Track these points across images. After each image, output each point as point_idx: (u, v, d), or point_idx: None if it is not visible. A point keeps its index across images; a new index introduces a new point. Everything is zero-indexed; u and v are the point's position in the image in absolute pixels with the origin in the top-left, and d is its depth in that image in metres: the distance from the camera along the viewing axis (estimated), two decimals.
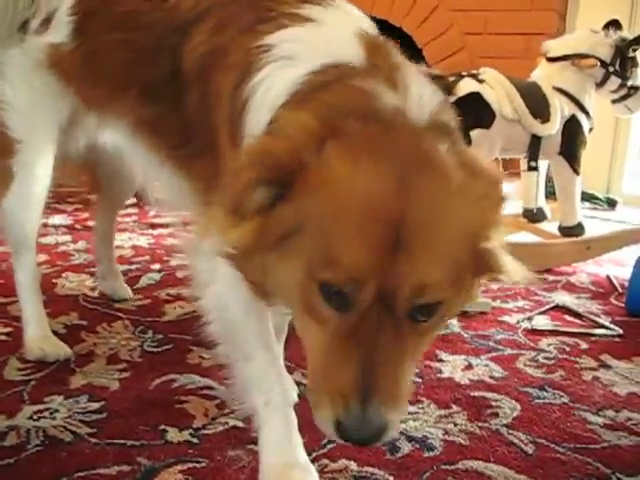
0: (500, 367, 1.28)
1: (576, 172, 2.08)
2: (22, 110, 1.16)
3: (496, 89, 1.98)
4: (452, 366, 1.28)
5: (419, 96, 0.78)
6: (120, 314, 1.44)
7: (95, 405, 1.04)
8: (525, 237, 2.19)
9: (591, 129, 2.12)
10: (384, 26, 3.33)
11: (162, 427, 0.99)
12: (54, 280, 1.65)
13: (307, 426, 0.84)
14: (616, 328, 1.53)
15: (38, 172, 1.18)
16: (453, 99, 1.95)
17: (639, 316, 1.63)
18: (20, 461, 0.89)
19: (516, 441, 1.02)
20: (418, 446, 0.99)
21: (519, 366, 1.30)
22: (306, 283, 0.70)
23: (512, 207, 2.47)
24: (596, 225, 2.61)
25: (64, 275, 1.70)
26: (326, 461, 0.93)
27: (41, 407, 1.03)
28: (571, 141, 2.05)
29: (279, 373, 0.89)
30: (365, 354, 0.69)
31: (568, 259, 2.03)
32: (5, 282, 1.57)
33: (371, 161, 0.68)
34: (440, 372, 1.25)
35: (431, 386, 1.19)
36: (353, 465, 0.93)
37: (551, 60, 2.11)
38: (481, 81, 2.00)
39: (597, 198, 3.23)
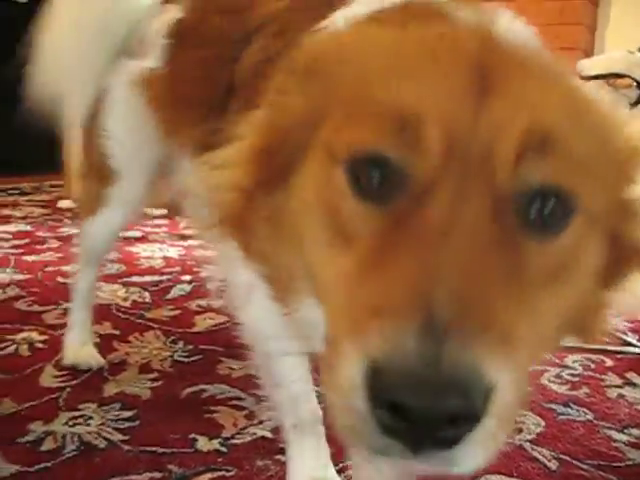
0: None
1: None
2: (122, 141, 1.13)
3: None
4: None
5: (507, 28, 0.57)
6: (152, 324, 1.48)
7: (128, 413, 1.08)
8: None
9: None
10: None
11: (192, 436, 1.02)
12: None
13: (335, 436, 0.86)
14: None
15: (127, 205, 1.19)
16: None
17: None
18: (56, 465, 0.93)
19: (540, 457, 1.03)
20: None
21: (544, 382, 1.31)
22: (325, 174, 0.48)
23: None
24: None
25: (97, 285, 1.74)
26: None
27: (76, 414, 1.07)
28: None
29: (308, 396, 0.85)
30: (433, 265, 0.40)
31: None
32: (40, 291, 1.62)
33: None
34: None
35: None
36: None
37: (587, 79, 2.12)
38: None
39: None
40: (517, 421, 1.13)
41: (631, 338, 1.59)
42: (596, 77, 2.09)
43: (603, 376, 1.36)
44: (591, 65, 2.13)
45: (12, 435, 0.98)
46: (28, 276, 1.75)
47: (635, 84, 2.05)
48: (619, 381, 1.34)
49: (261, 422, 1.07)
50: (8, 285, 1.67)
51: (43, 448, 0.96)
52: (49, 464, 0.93)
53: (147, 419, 1.07)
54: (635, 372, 1.39)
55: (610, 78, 2.05)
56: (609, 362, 1.44)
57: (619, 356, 1.48)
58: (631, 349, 1.52)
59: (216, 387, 1.19)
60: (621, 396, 1.27)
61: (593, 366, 1.41)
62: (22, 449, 0.95)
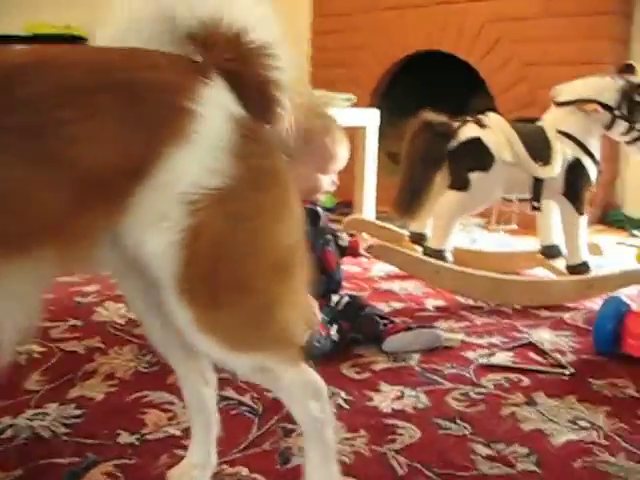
0: (428, 399, 1.47)
1: (580, 212, 2.18)
2: None
3: (496, 134, 2.13)
4: (384, 396, 1.47)
5: None
6: (134, 339, 1.76)
7: (78, 412, 1.37)
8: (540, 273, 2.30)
9: (600, 172, 2.20)
10: (453, 60, 3.61)
11: (118, 431, 1.29)
12: (95, 308, 2.01)
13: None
14: (569, 367, 1.64)
15: None
16: (455, 144, 2.13)
17: (605, 355, 1.73)
18: (9, 449, 1.22)
19: (394, 464, 1.21)
20: None
21: (446, 399, 1.47)
22: None
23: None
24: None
25: (105, 304, 2.07)
26: (225, 466, 1.19)
27: (39, 411, 1.36)
28: (574, 183, 2.15)
29: None
30: None
31: (569, 297, 2.13)
32: (55, 309, 1.96)
33: None
34: (370, 400, 1.45)
35: (354, 411, 1.40)
36: (245, 471, 1.18)
37: (559, 104, 2.21)
38: (484, 126, 2.16)
39: None
40: (396, 433, 1.32)
41: (566, 359, 1.70)
42: (567, 103, 2.18)
43: (509, 395, 1.49)
44: (565, 90, 2.22)
45: None
46: (51, 295, 2.09)
47: (604, 108, 2.12)
48: (521, 400, 1.47)
49: (178, 423, 1.32)
50: None
51: (3, 436, 1.27)
52: (2, 448, 1.23)
53: (91, 417, 1.35)
54: (544, 392, 1.52)
55: (579, 103, 2.14)
56: (526, 382, 1.57)
57: (542, 376, 1.61)
58: (555, 370, 1.64)
59: (157, 394, 1.45)
60: (512, 414, 1.41)
61: (507, 385, 1.55)
62: None
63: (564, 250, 2.35)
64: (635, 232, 3.19)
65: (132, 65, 0.86)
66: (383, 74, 4.21)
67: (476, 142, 2.12)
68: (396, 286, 2.32)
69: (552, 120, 2.20)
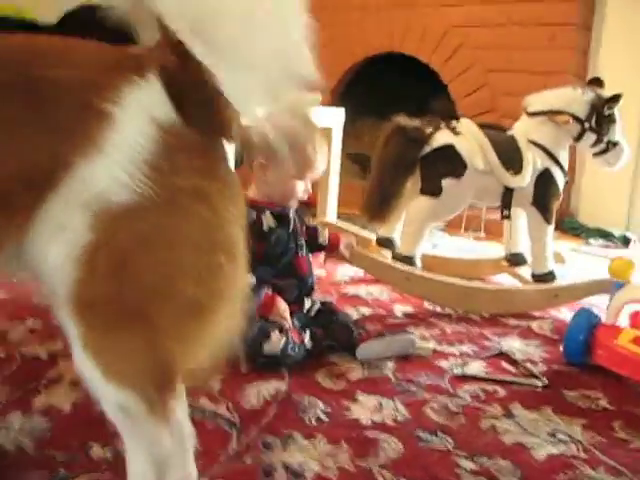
0: (407, 411, 1.45)
1: (548, 222, 2.20)
2: None
3: (470, 141, 2.13)
4: (363, 407, 1.45)
5: None
6: None
7: (45, 424, 1.29)
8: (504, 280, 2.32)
9: (567, 182, 2.23)
10: (414, 62, 3.60)
11: (90, 444, 1.22)
12: None
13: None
14: (542, 378, 1.65)
15: None
16: (428, 150, 2.12)
17: (576, 365, 1.75)
18: None
19: (380, 479, 1.19)
20: (291, 476, 1.18)
21: (425, 410, 1.45)
22: None
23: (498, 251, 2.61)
24: (597, 264, 2.72)
25: None
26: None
27: (2, 424, 1.28)
28: (543, 193, 2.17)
29: None
30: None
31: (535, 305, 2.15)
32: (11, 309, 1.86)
33: None
34: (348, 410, 1.43)
35: (334, 423, 1.36)
36: None
37: (530, 114, 2.23)
38: (457, 133, 2.15)
39: (612, 235, 3.28)
40: (379, 447, 1.30)
41: (538, 369, 1.71)
42: (538, 113, 2.20)
43: (486, 406, 1.49)
44: (536, 101, 2.24)
45: None
46: (7, 295, 1.98)
47: (573, 119, 2.15)
48: (499, 412, 1.47)
49: None
50: None
51: None
52: None
53: (60, 429, 1.27)
54: (521, 403, 1.52)
55: (550, 114, 2.16)
56: (502, 393, 1.57)
57: (515, 387, 1.61)
58: (529, 381, 1.64)
59: None
60: (492, 427, 1.40)
61: (483, 397, 1.55)
62: None
63: (529, 258, 2.37)
64: (591, 240, 3.26)
65: (41, 60, 0.77)
66: (343, 74, 4.19)
67: (449, 149, 2.11)
68: (362, 291, 2.30)
69: (523, 129, 2.22)
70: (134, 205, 0.76)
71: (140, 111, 0.78)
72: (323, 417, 1.39)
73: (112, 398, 0.84)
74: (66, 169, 0.76)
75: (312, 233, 1.84)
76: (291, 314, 1.67)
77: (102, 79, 0.78)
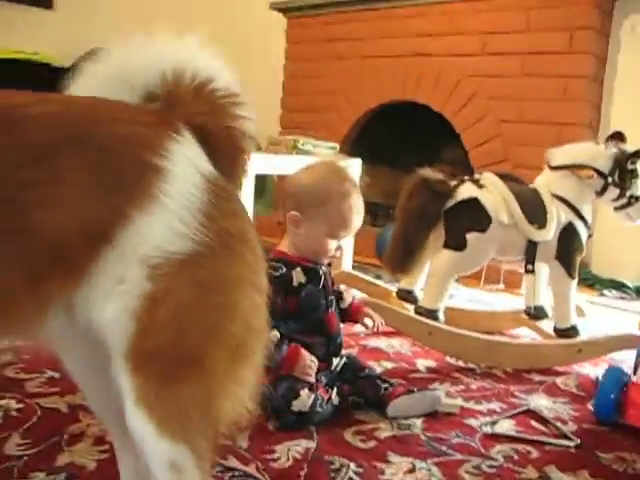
0: (441, 473, 1.40)
1: (571, 276, 2.18)
2: None
3: (494, 195, 2.13)
4: (396, 468, 1.40)
5: None
6: None
7: None
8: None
9: (590, 236, 2.22)
10: (426, 111, 3.62)
11: None
12: None
13: None
14: (574, 438, 1.61)
15: None
16: (453, 203, 2.11)
17: (607, 425, 1.71)
18: None
19: None
20: None
21: (460, 473, 1.41)
22: None
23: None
24: (612, 316, 2.70)
25: None
26: None
27: None
28: (567, 247, 2.16)
29: None
30: None
31: (559, 361, 2.11)
32: (30, 358, 1.82)
33: None
34: (382, 473, 1.38)
35: None
36: None
37: (553, 168, 2.24)
38: (481, 186, 2.15)
39: (625, 286, 3.26)
40: None
41: (569, 428, 1.67)
42: (561, 167, 2.20)
43: (521, 469, 1.45)
44: (558, 155, 2.25)
45: None
46: (27, 343, 1.94)
47: (597, 174, 2.15)
48: (535, 475, 1.43)
49: None
50: (4, 351, 1.88)
51: None
52: None
53: None
54: (556, 465, 1.48)
55: (574, 169, 2.16)
56: (535, 454, 1.53)
57: (547, 448, 1.57)
58: (561, 442, 1.60)
59: None
60: None
61: (516, 457, 1.50)
62: None
63: (549, 311, 2.34)
64: (605, 292, 3.24)
65: (97, 117, 0.79)
66: (356, 121, 4.22)
67: (474, 202, 2.11)
68: (383, 343, 2.26)
69: (546, 183, 2.22)
70: (192, 253, 0.78)
71: (187, 163, 0.81)
72: (356, 479, 1.34)
73: (164, 454, 0.81)
74: (126, 223, 0.76)
75: (336, 296, 1.80)
76: (318, 372, 1.64)
77: (150, 135, 0.80)
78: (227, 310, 0.82)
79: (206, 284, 0.80)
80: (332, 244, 1.64)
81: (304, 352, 1.60)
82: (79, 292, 0.78)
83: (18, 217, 0.72)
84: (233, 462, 1.36)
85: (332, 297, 1.71)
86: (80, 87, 0.87)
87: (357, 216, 1.63)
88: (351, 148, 4.08)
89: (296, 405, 1.52)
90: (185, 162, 0.80)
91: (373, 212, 3.98)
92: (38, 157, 0.74)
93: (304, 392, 1.53)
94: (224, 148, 0.87)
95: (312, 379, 1.58)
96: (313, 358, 1.60)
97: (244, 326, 0.84)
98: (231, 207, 0.84)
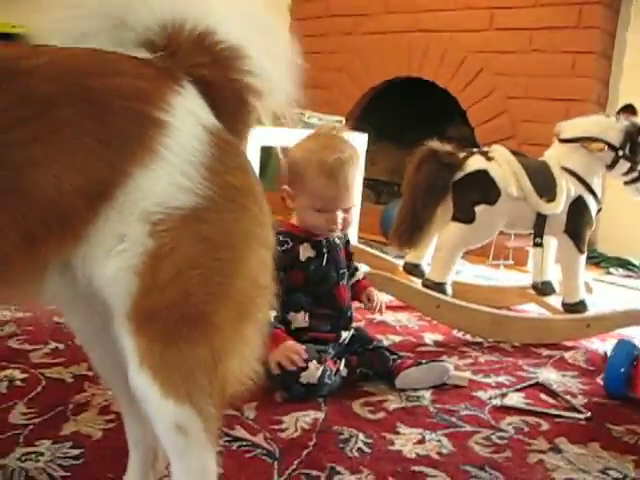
0: (451, 443, 1.38)
1: (580, 251, 2.15)
2: None
3: (503, 167, 2.09)
4: (405, 439, 1.39)
5: None
6: None
7: (75, 452, 1.22)
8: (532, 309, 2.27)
9: (600, 210, 2.19)
10: (431, 88, 3.56)
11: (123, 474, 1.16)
12: None
13: None
14: (585, 411, 1.59)
15: None
16: (461, 175, 2.08)
17: (617, 398, 1.69)
18: None
19: None
20: None
21: (470, 444, 1.39)
22: None
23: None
24: (619, 294, 2.68)
25: None
26: None
27: (30, 450, 1.22)
28: (576, 221, 2.13)
29: None
30: None
31: (567, 335, 2.09)
32: (33, 329, 1.80)
33: None
34: (392, 444, 1.36)
35: (377, 457, 1.30)
36: None
37: (563, 141, 2.20)
38: (490, 159, 2.12)
39: (631, 264, 3.24)
40: None
41: (579, 402, 1.66)
42: (571, 140, 2.16)
43: (531, 440, 1.43)
44: (569, 127, 2.21)
45: None
46: (28, 314, 1.92)
47: (607, 147, 2.12)
48: (546, 446, 1.41)
49: None
50: (7, 322, 1.86)
51: None
52: None
53: (92, 458, 1.21)
54: (566, 437, 1.46)
55: (584, 141, 2.13)
56: (545, 426, 1.51)
57: (558, 420, 1.55)
58: (571, 414, 1.59)
59: None
60: (540, 462, 1.34)
61: (526, 429, 1.49)
62: None
63: (557, 287, 2.32)
64: (612, 270, 3.21)
65: (95, 70, 0.76)
66: (360, 98, 4.17)
67: (483, 174, 2.07)
68: (389, 317, 2.24)
69: (556, 156, 2.18)
70: (196, 207, 0.76)
71: (189, 116, 0.78)
72: (365, 449, 1.32)
73: (169, 416, 0.79)
74: (124, 179, 0.73)
75: (351, 270, 1.76)
76: (327, 343, 1.62)
77: (150, 88, 0.77)
78: (234, 266, 0.79)
79: (211, 239, 0.77)
80: (327, 217, 1.58)
81: (290, 342, 1.53)
82: (78, 252, 0.75)
83: (13, 177, 0.69)
84: (241, 432, 1.34)
85: (344, 270, 1.68)
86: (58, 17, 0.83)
87: (343, 190, 1.56)
88: (355, 125, 4.03)
89: (304, 377, 1.49)
90: (187, 115, 0.77)
91: (377, 189, 3.95)
92: (33, 113, 0.70)
93: (312, 364, 1.51)
94: (228, 101, 0.84)
95: (292, 368, 1.50)
96: (301, 350, 1.51)
97: (251, 283, 0.81)
98: (236, 161, 0.81)
